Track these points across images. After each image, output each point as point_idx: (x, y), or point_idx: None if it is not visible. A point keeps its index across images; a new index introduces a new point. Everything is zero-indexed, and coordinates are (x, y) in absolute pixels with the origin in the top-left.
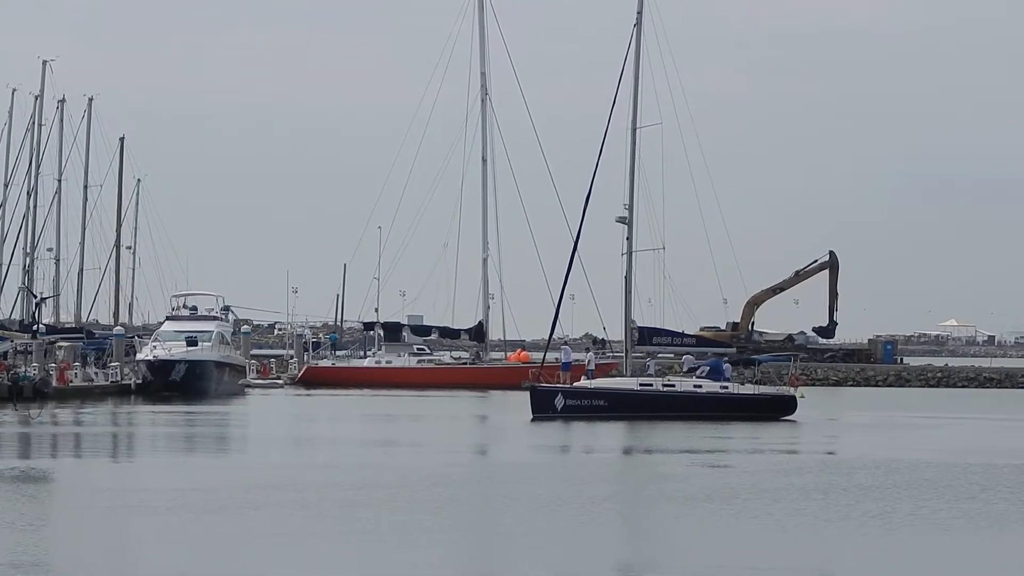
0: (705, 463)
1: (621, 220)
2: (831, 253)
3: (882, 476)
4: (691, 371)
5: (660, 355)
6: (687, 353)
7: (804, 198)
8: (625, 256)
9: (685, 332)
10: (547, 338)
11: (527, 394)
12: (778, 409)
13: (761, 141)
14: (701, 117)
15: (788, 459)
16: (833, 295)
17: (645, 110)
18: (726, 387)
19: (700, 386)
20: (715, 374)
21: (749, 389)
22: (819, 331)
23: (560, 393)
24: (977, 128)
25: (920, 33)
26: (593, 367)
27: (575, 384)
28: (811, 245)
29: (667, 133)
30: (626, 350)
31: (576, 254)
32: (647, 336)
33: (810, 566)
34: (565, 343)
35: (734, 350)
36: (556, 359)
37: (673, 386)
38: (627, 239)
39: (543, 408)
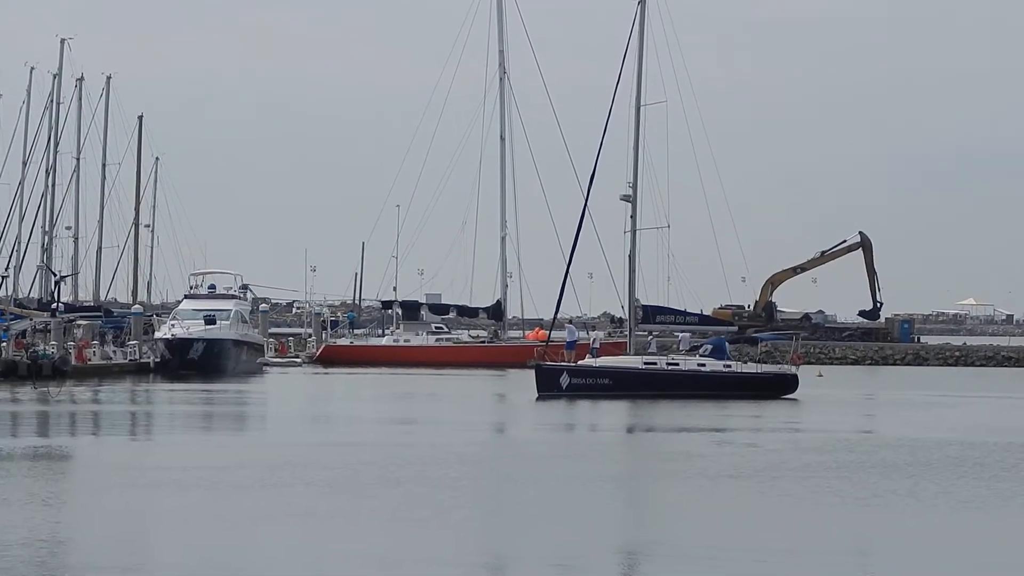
0: (726, 441)
1: (625, 198)
2: (861, 234)
3: (907, 455)
4: (693, 350)
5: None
6: (690, 331)
7: (813, 179)
8: (629, 234)
9: (689, 310)
10: (552, 317)
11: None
12: (780, 388)
13: (767, 122)
14: (706, 97)
15: (808, 437)
16: (872, 274)
17: (651, 89)
18: (729, 366)
19: (703, 365)
20: (718, 352)
21: (751, 368)
22: (865, 314)
23: (565, 371)
24: (994, 105)
25: (927, 15)
26: (598, 345)
27: (580, 363)
28: (821, 226)
29: (672, 112)
30: (630, 328)
31: (581, 233)
32: (651, 314)
33: (848, 544)
34: (570, 321)
35: (735, 328)
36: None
37: (677, 365)
38: (631, 217)
39: (548, 387)
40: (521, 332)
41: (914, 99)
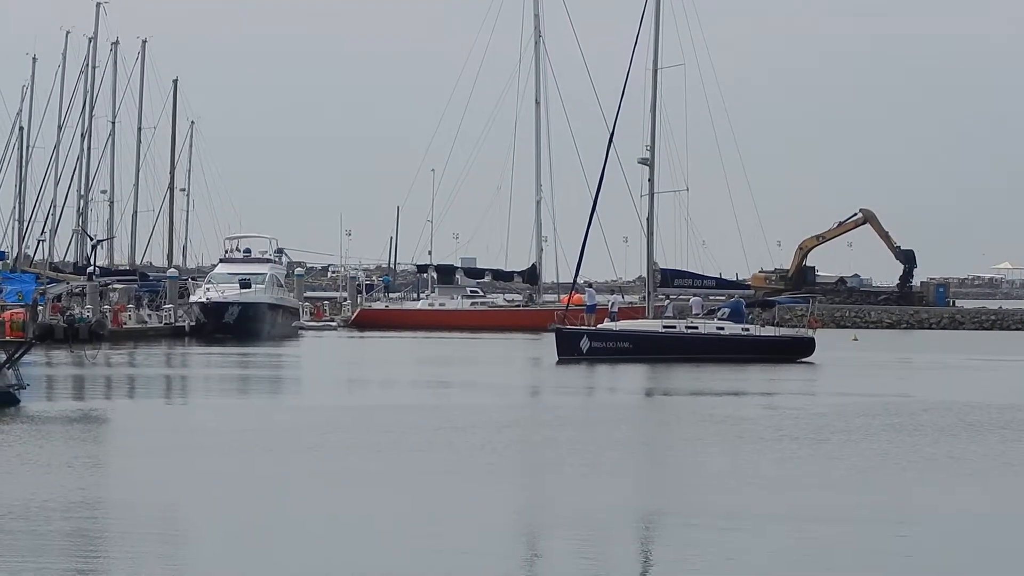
0: (768, 405)
1: (643, 161)
2: (861, 210)
3: (953, 417)
4: (710, 313)
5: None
6: (711, 295)
7: (842, 143)
8: (646, 197)
9: (721, 276)
10: (572, 281)
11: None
12: (797, 351)
13: (788, 84)
14: (724, 61)
15: (849, 401)
16: (885, 238)
17: (669, 52)
18: (747, 329)
19: (722, 328)
20: (736, 316)
21: (769, 331)
22: (903, 276)
23: (585, 335)
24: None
25: None
26: (616, 309)
27: (599, 326)
28: (847, 192)
29: (690, 76)
30: (648, 292)
31: (609, 197)
32: (669, 278)
33: (902, 506)
34: (589, 285)
35: (752, 292)
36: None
37: (696, 328)
38: (649, 180)
39: (569, 350)
40: (556, 296)
41: (949, 60)
